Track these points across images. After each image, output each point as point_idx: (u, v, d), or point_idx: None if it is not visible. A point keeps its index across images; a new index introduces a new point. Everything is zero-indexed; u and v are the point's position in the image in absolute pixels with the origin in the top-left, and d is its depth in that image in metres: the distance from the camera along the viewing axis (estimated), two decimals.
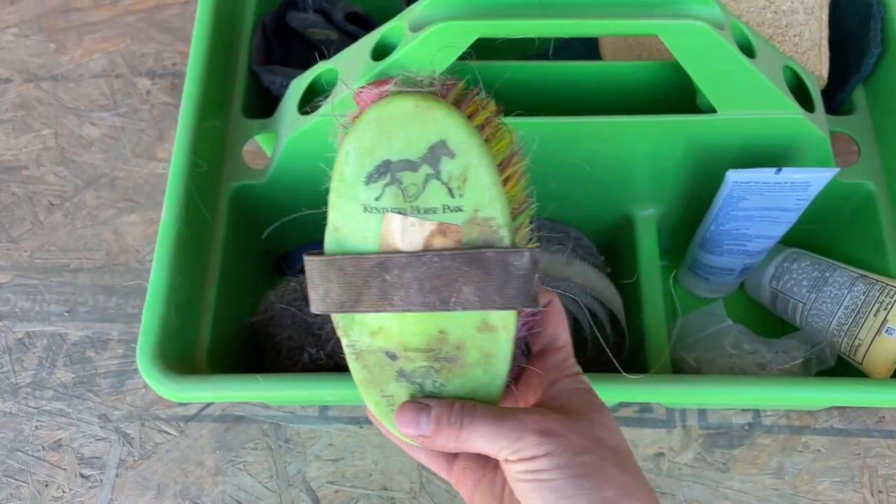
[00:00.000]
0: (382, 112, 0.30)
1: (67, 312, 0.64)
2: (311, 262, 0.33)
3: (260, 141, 0.58)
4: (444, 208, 0.31)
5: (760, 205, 0.49)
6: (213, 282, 0.50)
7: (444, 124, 0.30)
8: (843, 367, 0.51)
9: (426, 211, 0.31)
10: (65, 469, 0.58)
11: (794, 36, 0.53)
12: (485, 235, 0.31)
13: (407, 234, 0.31)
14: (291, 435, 0.59)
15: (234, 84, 0.56)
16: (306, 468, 0.57)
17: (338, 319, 0.34)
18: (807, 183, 0.47)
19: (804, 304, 0.53)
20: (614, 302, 0.52)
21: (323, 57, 0.50)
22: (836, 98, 0.55)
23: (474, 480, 0.36)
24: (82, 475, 0.58)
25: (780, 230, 0.52)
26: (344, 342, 0.34)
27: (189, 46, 0.74)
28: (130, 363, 0.62)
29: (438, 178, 0.30)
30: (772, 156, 0.49)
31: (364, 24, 0.59)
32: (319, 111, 0.48)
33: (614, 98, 0.53)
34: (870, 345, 0.48)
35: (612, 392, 0.44)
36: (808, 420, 0.58)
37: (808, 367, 0.51)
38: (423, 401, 0.33)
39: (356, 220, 0.32)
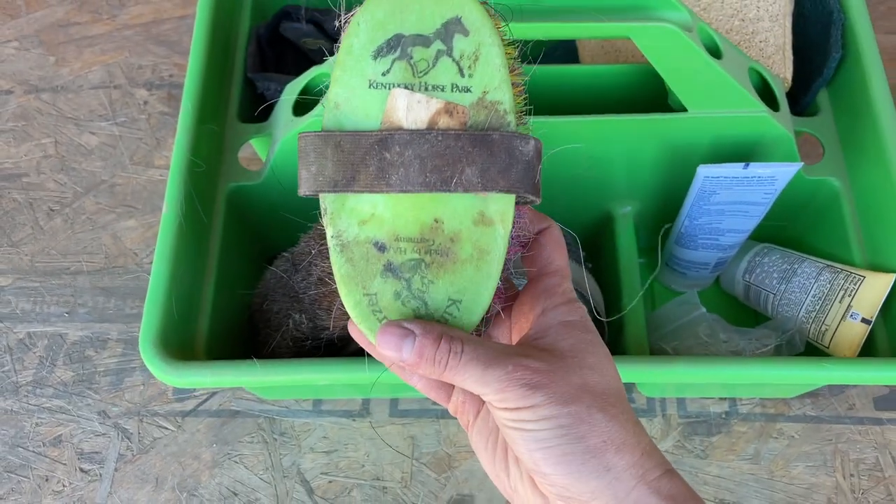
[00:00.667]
0: None
1: (67, 313, 0.66)
2: (305, 138, 0.31)
3: (255, 144, 0.61)
4: (452, 87, 0.31)
5: (731, 199, 0.52)
6: (211, 276, 0.52)
7: (461, 1, 0.30)
8: (813, 353, 0.54)
9: (434, 88, 0.31)
10: (65, 464, 0.60)
11: (760, 42, 0.56)
12: (491, 119, 0.31)
13: (412, 111, 0.31)
14: (286, 428, 0.61)
15: (230, 90, 0.59)
16: (301, 460, 0.59)
17: (327, 203, 0.32)
18: (773, 177, 0.50)
19: (775, 294, 0.56)
20: (594, 293, 0.54)
21: (315, 64, 0.53)
22: (801, 101, 0.58)
23: (473, 412, 0.35)
24: (82, 469, 0.60)
25: (751, 224, 0.54)
26: (329, 233, 0.32)
27: (185, 59, 0.77)
28: (129, 361, 0.64)
29: (450, 56, 0.30)
30: (740, 152, 0.52)
31: None
32: (312, 111, 0.50)
33: (592, 100, 0.56)
34: (836, 329, 0.51)
35: None
36: (783, 408, 0.61)
37: (779, 353, 0.54)
38: (407, 324, 0.31)
39: (359, 95, 0.31)
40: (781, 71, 0.55)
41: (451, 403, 0.37)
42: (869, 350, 0.51)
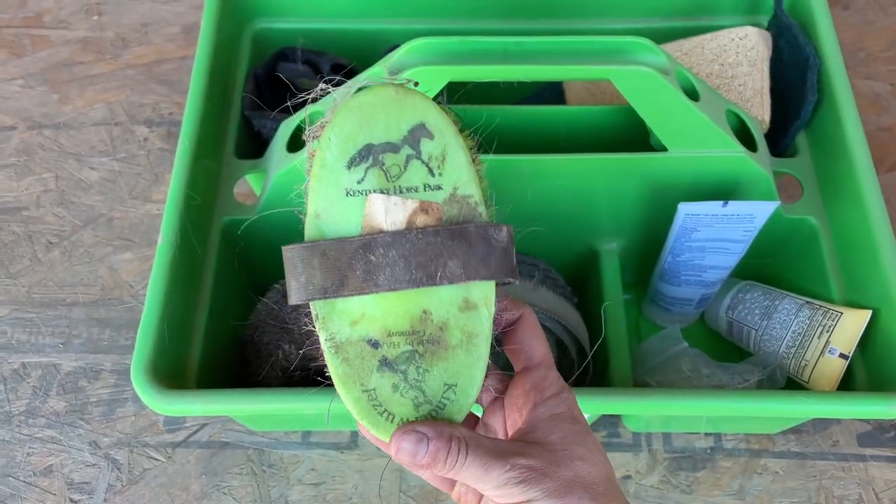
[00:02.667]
0: (363, 100, 0.33)
1: (62, 344, 0.67)
2: (291, 251, 0.33)
3: (250, 180, 0.62)
4: (425, 187, 0.33)
5: (711, 236, 0.53)
6: (204, 306, 0.53)
7: (422, 108, 0.32)
8: (793, 388, 0.55)
9: (408, 190, 0.33)
10: (55, 494, 0.60)
11: (739, 86, 0.58)
12: (464, 212, 0.33)
13: (390, 213, 0.32)
14: (275, 460, 0.61)
15: (227, 127, 0.61)
16: (289, 492, 0.60)
17: (318, 309, 0.33)
18: (751, 215, 0.51)
19: (756, 330, 0.57)
20: (579, 329, 0.56)
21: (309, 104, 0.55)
22: (780, 143, 0.60)
23: (476, 500, 0.37)
24: (72, 500, 0.60)
25: (732, 261, 0.56)
26: (322, 336, 0.33)
27: (185, 97, 0.79)
28: (121, 392, 0.64)
29: (419, 158, 0.32)
30: (720, 191, 0.54)
31: (349, 74, 0.64)
32: (305, 148, 0.52)
33: (578, 140, 0.58)
34: (815, 364, 0.52)
35: (581, 405, 0.48)
36: (767, 444, 0.61)
37: (761, 388, 0.55)
38: (420, 428, 0.33)
39: (338, 204, 0.33)
40: (759, 113, 0.57)
41: (455, 492, 0.39)
42: (847, 385, 0.52)
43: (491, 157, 0.52)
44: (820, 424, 0.62)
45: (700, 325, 0.66)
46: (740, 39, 0.59)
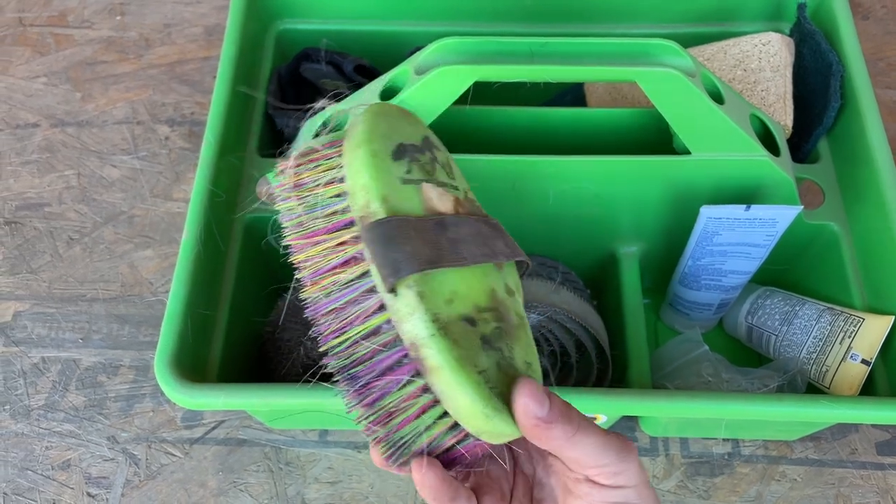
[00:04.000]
0: (381, 108, 0.35)
1: (82, 339, 0.67)
2: (382, 225, 0.31)
3: (271, 179, 0.63)
4: (449, 186, 0.35)
5: (733, 240, 0.53)
6: (225, 302, 0.53)
7: (422, 125, 0.35)
8: (813, 393, 0.55)
9: (441, 184, 0.34)
10: (72, 488, 0.60)
11: (762, 91, 0.58)
12: (474, 209, 0.35)
13: (441, 200, 0.34)
14: (292, 458, 0.61)
15: (250, 125, 0.61)
16: (305, 490, 0.60)
17: (419, 286, 0.30)
18: (774, 219, 0.51)
19: (777, 336, 0.57)
20: (599, 330, 0.56)
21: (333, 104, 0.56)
22: (802, 149, 0.60)
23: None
24: (89, 494, 0.60)
25: (753, 266, 0.56)
26: (425, 318, 0.30)
27: (206, 97, 0.80)
28: (140, 388, 0.65)
29: (438, 162, 0.35)
30: (743, 195, 0.54)
31: (371, 75, 0.64)
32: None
33: (599, 143, 0.58)
34: (836, 370, 0.52)
35: (599, 405, 0.47)
36: (785, 450, 0.61)
37: (781, 393, 0.55)
38: (548, 390, 0.31)
39: (398, 189, 0.32)
40: (782, 118, 0.57)
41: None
42: (869, 391, 0.51)
43: (513, 157, 0.52)
44: (838, 432, 0.62)
45: (718, 331, 0.65)
46: (763, 45, 0.59)
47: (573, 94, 0.68)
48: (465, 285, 0.32)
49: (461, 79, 0.47)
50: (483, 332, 0.31)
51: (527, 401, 0.30)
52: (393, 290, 0.30)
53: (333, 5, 0.66)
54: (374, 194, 0.32)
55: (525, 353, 0.33)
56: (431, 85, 0.47)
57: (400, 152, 0.34)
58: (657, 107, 0.48)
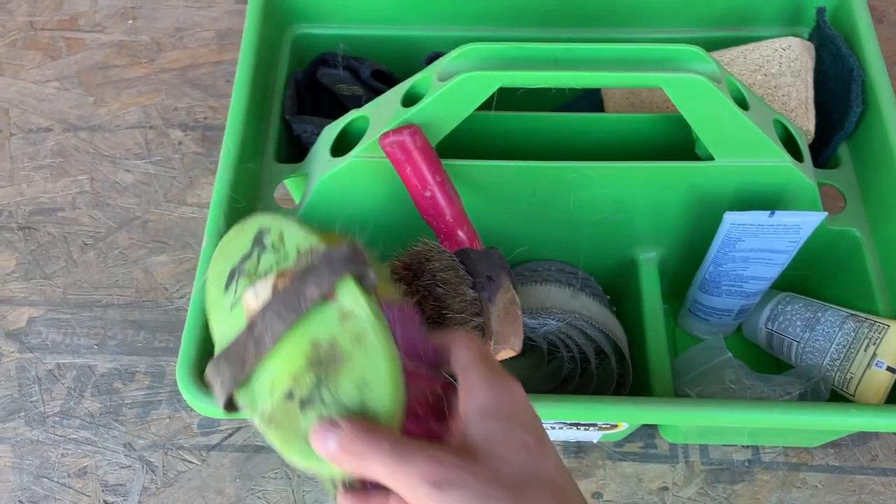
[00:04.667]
0: (221, 246, 0.39)
1: (97, 346, 0.67)
2: (207, 370, 0.37)
3: (288, 185, 0.62)
4: (276, 263, 0.36)
5: (755, 246, 0.53)
6: None
7: (258, 219, 0.38)
8: (837, 400, 0.54)
9: (266, 273, 0.36)
10: (89, 496, 0.60)
11: (783, 96, 0.58)
12: (312, 257, 0.35)
13: (259, 295, 0.36)
14: None
15: (267, 131, 0.61)
16: (324, 497, 0.59)
17: (242, 400, 0.35)
18: (798, 226, 0.51)
19: (798, 342, 0.57)
20: (619, 336, 0.55)
21: (348, 111, 0.55)
22: (823, 154, 0.60)
23: None
24: (106, 502, 0.60)
25: (774, 272, 0.55)
26: (256, 422, 0.35)
27: (220, 102, 0.80)
28: (156, 394, 0.64)
29: (266, 250, 0.37)
30: (765, 201, 0.53)
31: (388, 81, 0.64)
32: (351, 153, 0.52)
33: (619, 148, 0.58)
34: (861, 377, 0.52)
35: (621, 413, 0.47)
36: (806, 457, 0.61)
37: (804, 400, 0.54)
38: (338, 419, 0.32)
39: (227, 318, 0.37)
40: (804, 123, 0.56)
41: None
42: (895, 398, 0.51)
43: (535, 163, 0.52)
44: (859, 439, 0.62)
45: (737, 337, 0.65)
46: (783, 50, 0.59)
47: (588, 99, 0.68)
48: (279, 364, 0.35)
49: (485, 85, 0.47)
50: (301, 396, 0.34)
51: (315, 445, 0.32)
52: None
53: (350, 10, 0.66)
54: (215, 339, 0.38)
55: (357, 376, 0.33)
56: (455, 91, 0.47)
57: (230, 279, 0.38)
58: (683, 113, 0.48)
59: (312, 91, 0.65)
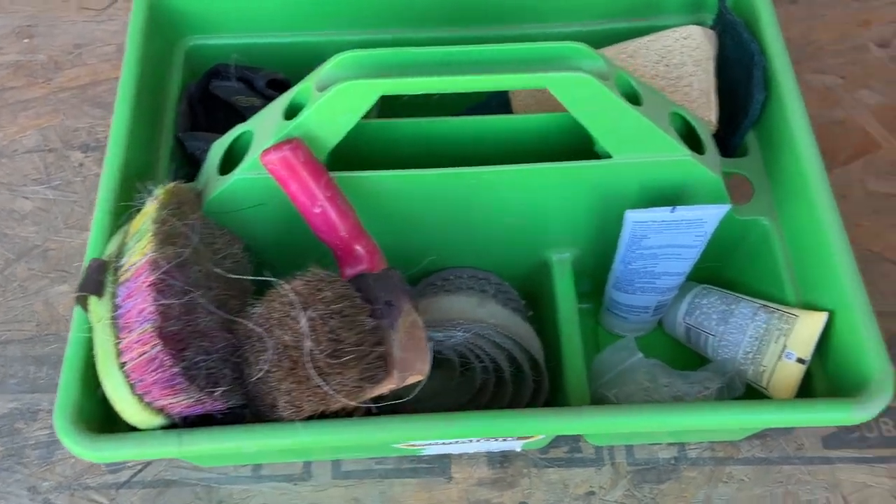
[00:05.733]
0: None
1: None
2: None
3: None
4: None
5: (662, 242, 0.52)
6: None
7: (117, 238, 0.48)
8: (753, 394, 0.54)
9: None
10: None
11: (685, 86, 0.57)
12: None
13: None
14: (224, 496, 0.58)
15: (158, 150, 0.58)
16: None
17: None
18: (701, 220, 0.50)
19: (714, 336, 0.56)
20: (531, 342, 0.54)
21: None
22: (730, 142, 0.59)
23: None
24: None
25: (685, 266, 0.54)
26: None
27: None
28: None
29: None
30: (669, 196, 0.52)
31: (286, 89, 0.61)
32: (235, 171, 0.49)
33: (524, 149, 0.56)
34: (773, 370, 0.51)
35: (533, 426, 0.46)
36: (732, 451, 0.60)
37: (721, 396, 0.53)
38: None
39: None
40: (707, 114, 0.55)
41: None
42: (807, 390, 0.50)
43: (429, 172, 0.50)
44: (784, 429, 0.61)
45: (660, 332, 0.64)
46: (684, 39, 0.58)
47: (499, 98, 0.66)
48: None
49: (364, 94, 0.45)
50: None
51: None
52: None
53: (244, 18, 0.64)
54: None
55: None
56: (333, 102, 0.45)
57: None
58: (571, 112, 0.46)
59: (209, 105, 0.62)
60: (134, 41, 0.58)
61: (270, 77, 0.61)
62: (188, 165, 0.60)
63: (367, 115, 0.61)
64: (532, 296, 0.62)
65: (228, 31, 0.64)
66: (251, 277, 0.48)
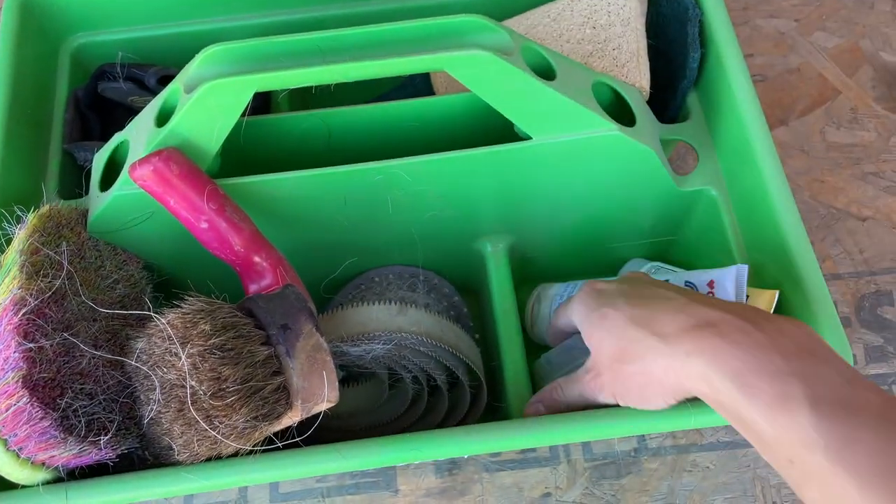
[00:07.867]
0: None
1: None
2: None
3: None
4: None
5: None
6: None
7: None
8: None
9: None
10: None
11: (613, 49, 0.51)
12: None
13: None
14: None
15: (46, 165, 0.53)
16: None
17: None
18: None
19: None
20: (462, 347, 0.49)
21: None
22: (671, 107, 0.54)
23: None
24: None
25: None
26: None
27: None
28: None
29: None
30: (602, 172, 0.47)
31: None
32: (113, 187, 0.44)
33: (448, 134, 0.51)
34: None
35: (464, 446, 0.41)
36: (695, 437, 0.56)
37: None
38: None
39: None
40: (637, 79, 0.50)
41: None
42: None
43: (330, 170, 0.45)
44: None
45: None
46: None
47: (422, 76, 0.60)
48: None
49: (236, 92, 0.39)
50: None
51: None
52: None
53: (131, 9, 0.58)
54: None
55: None
56: (202, 104, 0.39)
57: None
58: (477, 94, 0.41)
59: (101, 109, 0.57)
60: (6, 44, 0.52)
61: (162, 73, 0.55)
62: (85, 179, 0.55)
63: (277, 110, 0.57)
64: (471, 289, 0.58)
65: (117, 25, 0.58)
66: (128, 312, 0.43)
